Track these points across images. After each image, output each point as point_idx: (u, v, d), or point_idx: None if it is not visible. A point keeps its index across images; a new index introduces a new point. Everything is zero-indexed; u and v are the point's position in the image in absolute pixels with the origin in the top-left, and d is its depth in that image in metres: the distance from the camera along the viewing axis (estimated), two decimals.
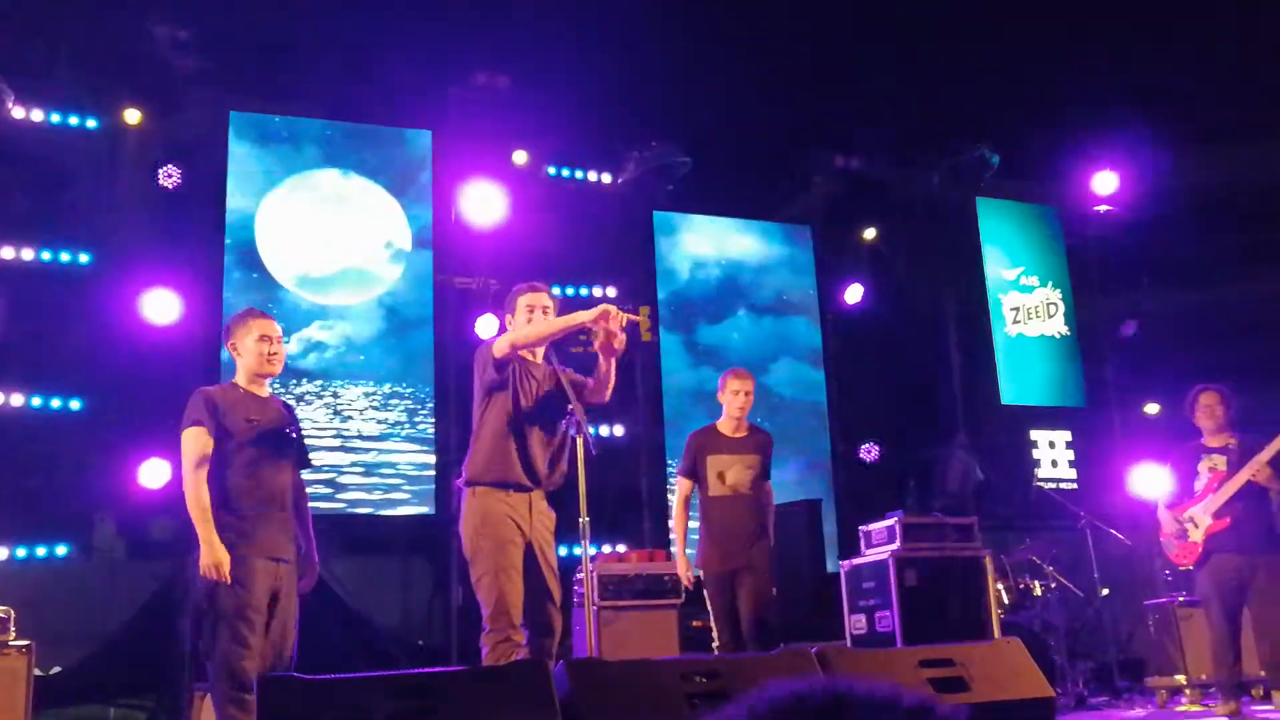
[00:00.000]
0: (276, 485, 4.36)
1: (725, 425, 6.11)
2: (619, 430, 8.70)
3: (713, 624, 5.90)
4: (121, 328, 7.30)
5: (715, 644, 5.87)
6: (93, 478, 7.21)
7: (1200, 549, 6.15)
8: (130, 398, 7.31)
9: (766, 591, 5.81)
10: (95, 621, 7.17)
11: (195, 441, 4.29)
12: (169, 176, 7.56)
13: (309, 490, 4.76)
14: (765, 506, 6.06)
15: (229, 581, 4.13)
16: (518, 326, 4.74)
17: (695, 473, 6.07)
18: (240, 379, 4.50)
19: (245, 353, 4.46)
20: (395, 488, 8.03)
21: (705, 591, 5.94)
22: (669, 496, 8.20)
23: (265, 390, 4.54)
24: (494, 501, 4.54)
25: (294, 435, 4.52)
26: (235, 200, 8.10)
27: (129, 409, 7.32)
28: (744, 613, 5.75)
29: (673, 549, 6.42)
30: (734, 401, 6.03)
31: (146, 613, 7.15)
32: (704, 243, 9.80)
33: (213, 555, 4.14)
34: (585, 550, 4.47)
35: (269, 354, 4.44)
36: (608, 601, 6.44)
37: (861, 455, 9.45)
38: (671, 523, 6.42)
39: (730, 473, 5.97)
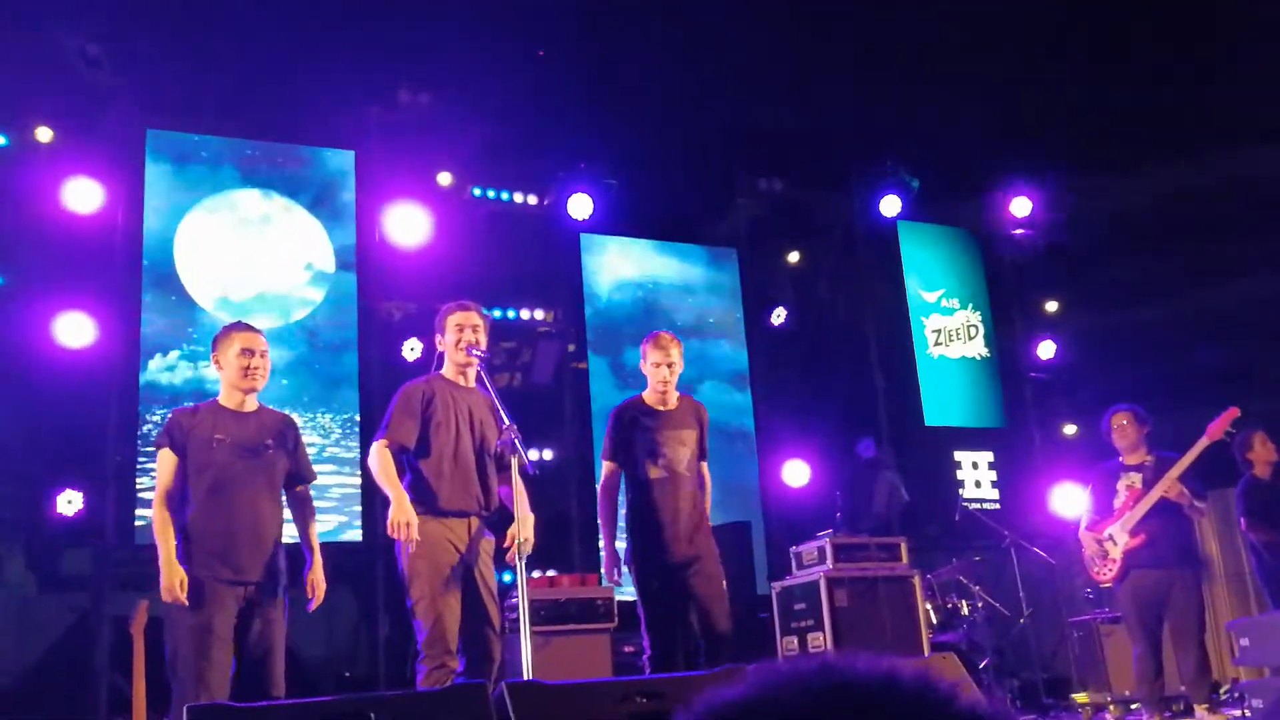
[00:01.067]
0: (244, 504, 4.26)
1: (651, 397, 5.37)
2: (548, 454, 8.63)
3: (645, 632, 5.09)
4: (33, 351, 7.06)
5: (647, 654, 5.07)
6: (2, 509, 6.95)
7: (1120, 566, 6.26)
8: (42, 425, 7.07)
9: (719, 587, 5.13)
10: (5, 657, 6.90)
11: (161, 463, 4.31)
12: (83, 196, 7.34)
13: None
14: (701, 490, 5.38)
15: (185, 604, 4.06)
16: (396, 431, 4.58)
17: (622, 454, 5.28)
18: (222, 395, 4.45)
19: (226, 366, 4.42)
20: (320, 513, 7.85)
21: (637, 593, 5.12)
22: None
23: (251, 405, 4.44)
24: (432, 527, 4.49)
25: (273, 451, 4.40)
26: (152, 220, 7.90)
27: (40, 436, 7.08)
28: (700, 612, 5.03)
29: (600, 546, 5.73)
30: (655, 375, 5.29)
31: (61, 647, 6.92)
32: (630, 265, 9.80)
33: (167, 578, 4.08)
34: (521, 572, 4.41)
35: (248, 368, 4.36)
36: (539, 626, 6.35)
37: (788, 478, 9.49)
38: (598, 519, 5.47)
39: (665, 451, 5.24)
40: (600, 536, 5.28)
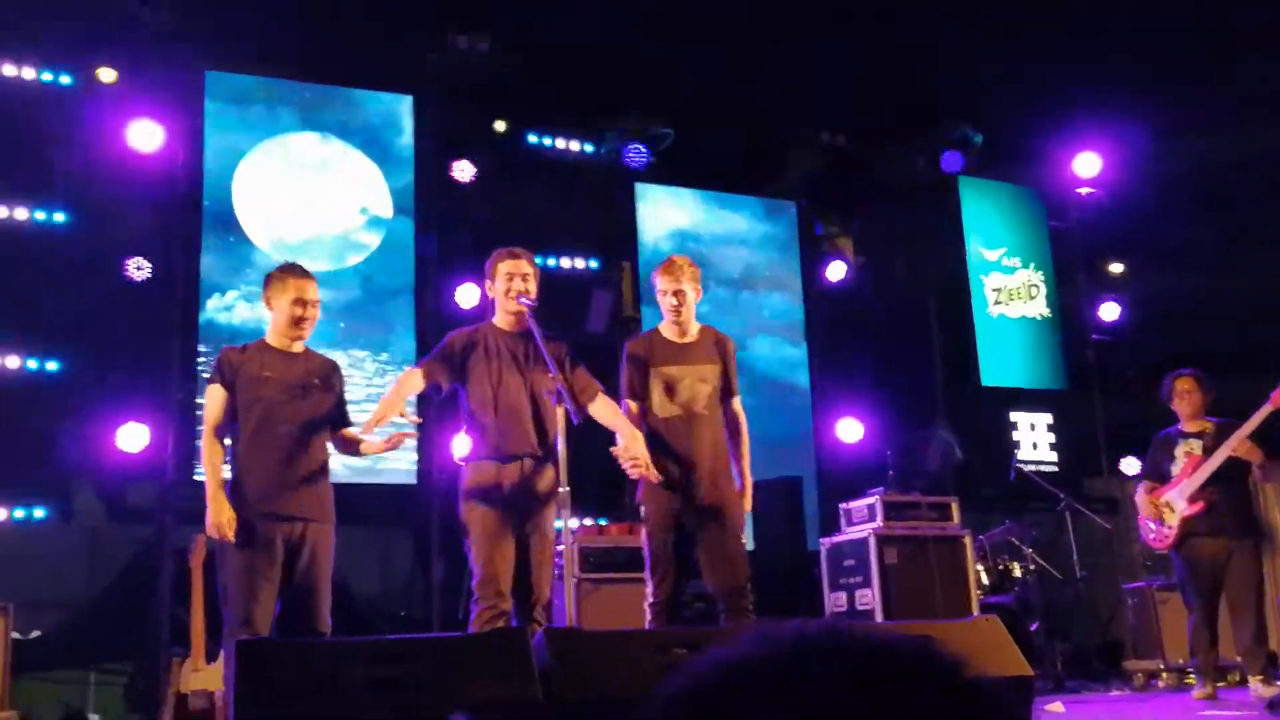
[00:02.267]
0: (291, 441, 4.32)
1: (668, 329, 4.96)
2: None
3: (648, 575, 4.78)
4: (98, 289, 7.20)
5: (650, 601, 4.74)
6: (71, 441, 7.12)
7: (1176, 533, 6.17)
8: (108, 361, 7.22)
9: (734, 549, 4.76)
10: (74, 587, 7.10)
11: (210, 399, 4.38)
12: (145, 136, 7.43)
13: None
14: (734, 433, 4.96)
15: (232, 540, 4.15)
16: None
17: (641, 390, 4.89)
18: (269, 335, 4.50)
19: (277, 310, 4.46)
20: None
21: (645, 536, 4.84)
22: None
23: (299, 347, 4.50)
24: (482, 472, 4.54)
25: (320, 391, 4.45)
26: (211, 162, 7.97)
27: (107, 371, 7.23)
28: (713, 565, 4.72)
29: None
30: (665, 304, 4.91)
31: (125, 578, 7.09)
32: (684, 215, 9.74)
33: (216, 515, 4.17)
34: (565, 520, 4.45)
35: (300, 319, 4.41)
36: (588, 574, 6.42)
37: (841, 434, 9.44)
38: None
39: (681, 387, 4.83)
40: None
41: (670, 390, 4.83)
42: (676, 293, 4.86)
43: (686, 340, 4.93)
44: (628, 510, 8.34)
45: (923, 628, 4.33)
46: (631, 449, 4.51)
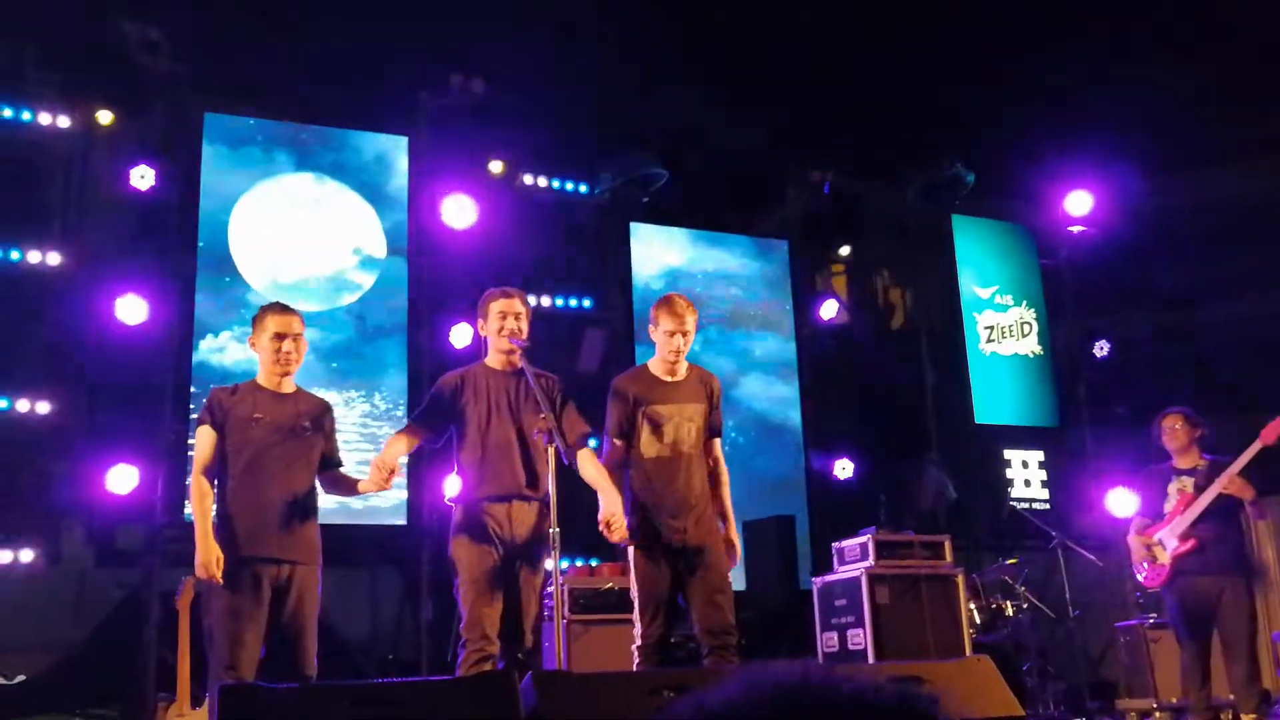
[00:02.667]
0: (280, 483, 4.33)
1: (659, 367, 4.95)
2: (591, 443, 8.64)
3: (637, 617, 4.73)
4: (92, 330, 7.22)
5: (638, 643, 4.69)
6: (60, 483, 7.12)
7: (1168, 571, 6.16)
8: (99, 402, 7.23)
9: (721, 589, 4.73)
10: (60, 630, 7.06)
11: (199, 440, 4.39)
12: (142, 178, 7.48)
13: None
14: (714, 476, 4.96)
15: (219, 582, 4.14)
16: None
17: (628, 429, 4.86)
18: (260, 375, 4.53)
19: (261, 349, 4.50)
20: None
21: (633, 577, 4.79)
22: None
23: (289, 387, 4.51)
24: (472, 513, 4.54)
25: (310, 433, 4.46)
26: (208, 203, 8.03)
27: (98, 413, 7.24)
28: (699, 606, 4.70)
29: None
30: (667, 344, 4.86)
31: (113, 621, 7.06)
32: (677, 254, 9.79)
33: (204, 555, 4.16)
34: (555, 561, 4.44)
35: (280, 351, 4.42)
36: (578, 615, 6.39)
37: (835, 472, 9.43)
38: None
39: (669, 427, 4.82)
40: None
41: (657, 429, 4.82)
42: (685, 334, 4.86)
43: (676, 379, 4.93)
44: (618, 551, 8.33)
45: (914, 668, 4.31)
46: (606, 513, 4.52)
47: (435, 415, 4.71)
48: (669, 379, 4.92)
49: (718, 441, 5.03)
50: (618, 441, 4.88)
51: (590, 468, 4.71)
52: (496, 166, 8.90)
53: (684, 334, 4.86)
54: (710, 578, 4.72)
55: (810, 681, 0.91)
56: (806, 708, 0.88)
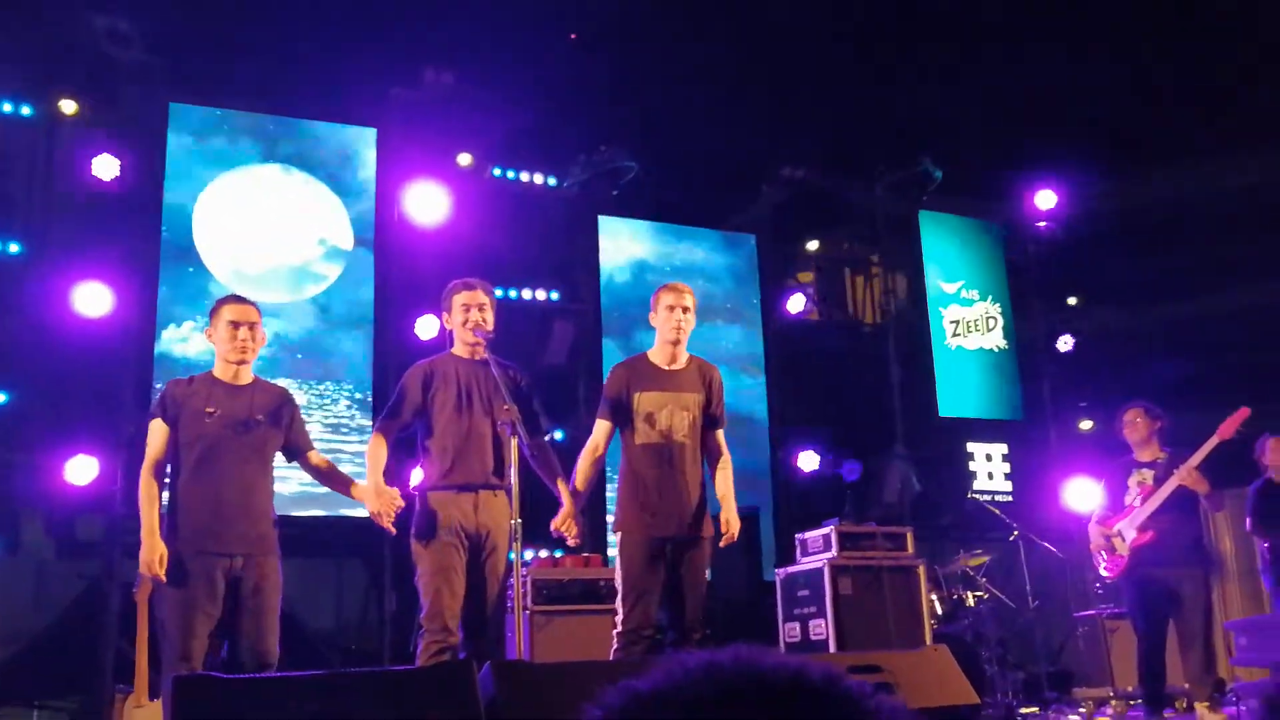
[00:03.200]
0: (233, 477, 4.30)
1: (659, 354, 4.92)
2: (559, 435, 8.66)
3: (620, 603, 4.70)
4: (51, 321, 7.15)
5: (618, 629, 4.67)
6: (19, 474, 7.05)
7: (1126, 562, 6.24)
8: (59, 392, 7.16)
9: (701, 581, 4.76)
10: (19, 621, 7.01)
11: (151, 434, 4.34)
12: (105, 168, 7.41)
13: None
14: (716, 464, 4.94)
15: (163, 580, 4.11)
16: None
17: (619, 414, 4.83)
18: (216, 367, 4.50)
19: (217, 340, 4.47)
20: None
21: (619, 564, 4.77)
22: (608, 493, 8.07)
23: (247, 378, 4.48)
24: (438, 502, 4.53)
25: (264, 426, 4.43)
26: (173, 193, 7.97)
27: (57, 404, 7.17)
28: (674, 598, 4.70)
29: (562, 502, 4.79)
30: (669, 320, 4.85)
31: (72, 613, 7.01)
32: (646, 248, 9.80)
33: (149, 552, 4.13)
34: (517, 553, 4.44)
35: (238, 340, 4.40)
36: (542, 606, 6.40)
37: (799, 464, 9.48)
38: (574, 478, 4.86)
39: (661, 415, 4.78)
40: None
41: (650, 418, 4.79)
42: (685, 309, 4.88)
43: (675, 367, 4.91)
44: (583, 542, 8.35)
45: (873, 658, 4.36)
46: (560, 519, 4.64)
47: (405, 408, 4.69)
48: (667, 367, 4.90)
49: (720, 432, 4.97)
50: (601, 422, 4.89)
51: (546, 470, 4.74)
52: (465, 159, 8.87)
53: (684, 309, 4.86)
54: (692, 572, 4.72)
55: (740, 663, 0.90)
56: (735, 689, 0.88)
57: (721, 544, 4.86)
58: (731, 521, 4.85)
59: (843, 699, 0.90)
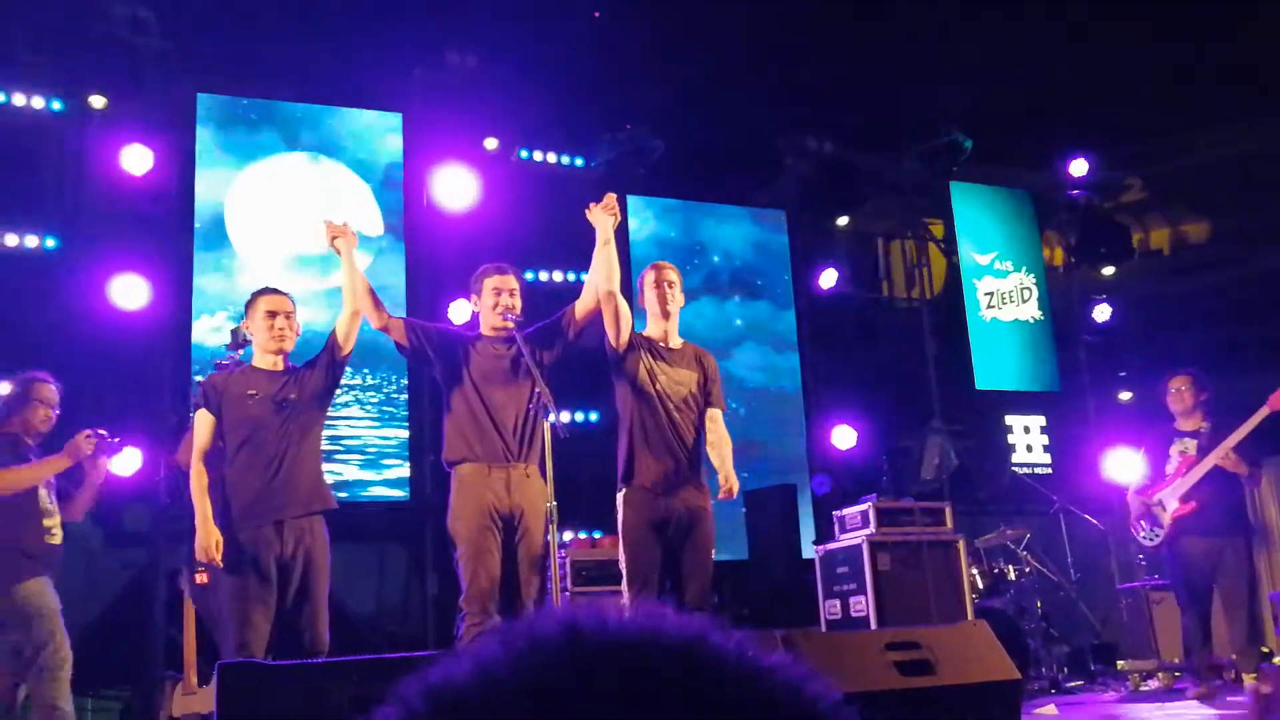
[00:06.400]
0: (278, 454, 4.37)
1: (654, 330, 4.90)
2: (593, 416, 8.67)
3: (625, 586, 4.64)
4: (89, 313, 7.22)
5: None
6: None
7: (1168, 532, 6.19)
8: (100, 384, 7.23)
9: (706, 562, 4.67)
10: (71, 613, 7.07)
11: (197, 424, 4.45)
12: (137, 160, 7.46)
13: None
14: (714, 439, 4.80)
15: (219, 564, 4.17)
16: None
17: (630, 354, 4.73)
18: (255, 357, 4.60)
19: (255, 330, 4.57)
20: (366, 472, 7.99)
21: (622, 540, 4.68)
22: None
23: (282, 365, 4.56)
24: (470, 480, 4.52)
25: (304, 404, 4.49)
26: (203, 183, 8.02)
27: (99, 396, 7.23)
28: (676, 580, 4.64)
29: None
30: (654, 296, 4.85)
31: (120, 602, 7.09)
32: (676, 227, 9.77)
33: (205, 539, 4.22)
34: (553, 534, 4.45)
35: (275, 329, 4.45)
36: (581, 587, 6.43)
37: (835, 441, 9.45)
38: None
39: (663, 379, 4.74)
40: None
41: (650, 374, 4.75)
42: (670, 283, 4.86)
43: (671, 345, 4.88)
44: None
45: (911, 633, 4.33)
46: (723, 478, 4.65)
47: (424, 332, 4.74)
48: (663, 343, 4.86)
49: (718, 412, 4.90)
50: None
51: (585, 295, 4.86)
52: (491, 143, 8.86)
53: (669, 284, 4.86)
54: (699, 550, 4.67)
55: (571, 629, 0.69)
56: (571, 671, 0.67)
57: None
58: (731, 481, 4.72)
59: (704, 665, 0.69)
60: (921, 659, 4.05)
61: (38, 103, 7.61)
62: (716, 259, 9.83)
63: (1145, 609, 7.52)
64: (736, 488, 4.76)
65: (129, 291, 7.25)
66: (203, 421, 4.42)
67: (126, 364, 7.28)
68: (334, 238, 4.66)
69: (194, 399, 4.57)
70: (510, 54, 8.58)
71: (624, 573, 4.68)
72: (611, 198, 4.83)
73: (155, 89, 7.68)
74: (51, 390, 4.94)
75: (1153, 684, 7.23)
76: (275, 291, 4.66)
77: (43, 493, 4.82)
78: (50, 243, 7.45)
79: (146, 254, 7.43)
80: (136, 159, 7.39)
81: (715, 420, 4.89)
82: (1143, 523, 6.31)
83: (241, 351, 5.15)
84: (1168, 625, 7.21)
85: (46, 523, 4.81)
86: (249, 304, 4.63)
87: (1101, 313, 10.42)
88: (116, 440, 4.86)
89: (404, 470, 8.10)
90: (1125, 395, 10.33)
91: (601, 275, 4.75)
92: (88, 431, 4.75)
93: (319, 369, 4.58)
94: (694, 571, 4.64)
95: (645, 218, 9.66)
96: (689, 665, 0.68)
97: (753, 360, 9.67)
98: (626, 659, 0.68)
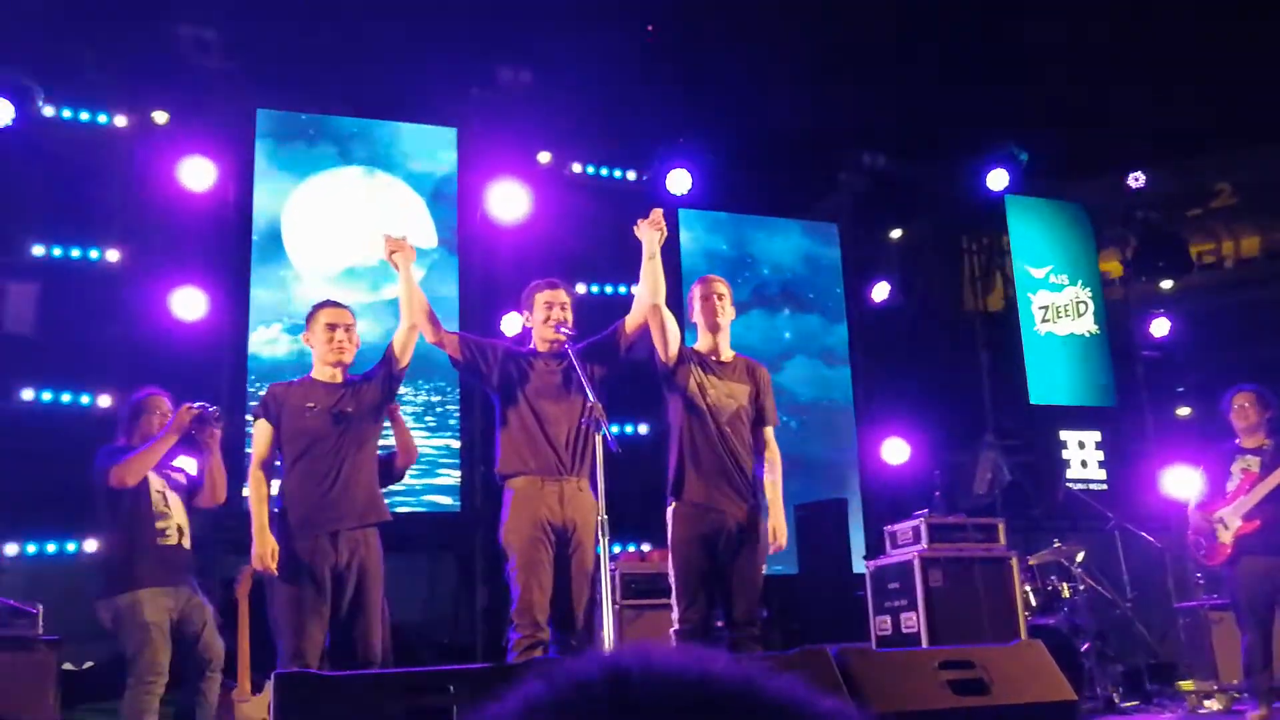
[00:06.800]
0: (336, 466, 4.41)
1: (704, 343, 4.89)
2: (643, 429, 8.69)
3: (675, 600, 4.65)
4: (150, 325, 7.37)
5: (676, 626, 4.61)
6: None
7: (1230, 550, 6.08)
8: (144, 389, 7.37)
9: (756, 577, 4.67)
10: None
11: (256, 434, 4.53)
12: (198, 175, 7.61)
13: None
14: (767, 461, 4.82)
15: (274, 573, 4.22)
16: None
17: (680, 367, 4.74)
18: (314, 369, 4.66)
19: (315, 343, 4.63)
20: (421, 485, 8.06)
21: (671, 553, 4.69)
22: None
23: (340, 378, 4.62)
24: (524, 494, 4.54)
25: (361, 417, 4.55)
26: (261, 197, 8.16)
27: None
28: (724, 594, 4.64)
29: None
30: (705, 309, 4.86)
31: None
32: (728, 240, 9.78)
33: (261, 547, 4.27)
34: (605, 547, 4.46)
35: (335, 341, 4.51)
36: (631, 600, 6.43)
37: (887, 455, 9.38)
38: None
39: (713, 393, 4.75)
40: None
41: (701, 388, 4.77)
42: (720, 296, 4.89)
43: (722, 358, 4.89)
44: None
45: (965, 653, 4.29)
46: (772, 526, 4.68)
47: (478, 347, 4.77)
48: (714, 357, 4.87)
49: (769, 430, 4.90)
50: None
51: (634, 310, 4.86)
52: (544, 157, 8.92)
53: (719, 296, 4.89)
54: (750, 565, 4.67)
55: (622, 680, 0.69)
56: (624, 708, 0.67)
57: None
58: (776, 529, 4.73)
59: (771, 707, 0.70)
60: (976, 678, 4.01)
61: (103, 119, 7.80)
62: (766, 271, 9.82)
63: (1204, 628, 7.38)
64: (784, 542, 4.76)
65: (188, 303, 7.40)
66: (261, 431, 4.49)
67: (186, 375, 7.40)
68: (392, 251, 4.69)
69: (254, 409, 4.59)
70: (563, 69, 8.65)
71: (673, 587, 4.70)
72: (658, 213, 4.84)
73: (217, 106, 7.83)
74: (164, 401, 5.07)
75: (1211, 705, 7.09)
76: (335, 304, 4.72)
77: (155, 495, 4.92)
78: (113, 256, 7.61)
79: (205, 267, 7.58)
80: (198, 174, 7.54)
81: (769, 440, 4.90)
82: (1202, 539, 6.21)
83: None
84: (1227, 645, 7.07)
85: (159, 525, 4.90)
86: (309, 317, 4.69)
87: (1160, 327, 10.26)
88: (215, 410, 4.94)
89: (455, 480, 8.16)
90: (1184, 411, 10.16)
91: (647, 289, 4.77)
92: (188, 404, 4.83)
93: (376, 382, 4.63)
94: (743, 587, 4.64)
95: (695, 231, 9.67)
96: (740, 715, 0.66)
97: (804, 373, 9.65)
98: (674, 710, 0.66)
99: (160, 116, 7.74)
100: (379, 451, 4.78)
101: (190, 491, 5.14)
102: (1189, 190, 10.04)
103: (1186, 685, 7.36)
